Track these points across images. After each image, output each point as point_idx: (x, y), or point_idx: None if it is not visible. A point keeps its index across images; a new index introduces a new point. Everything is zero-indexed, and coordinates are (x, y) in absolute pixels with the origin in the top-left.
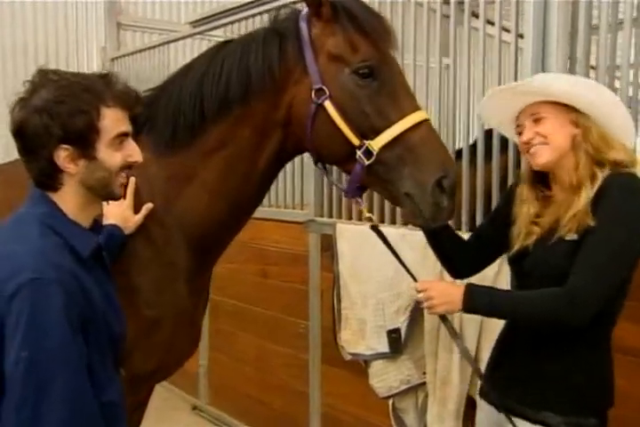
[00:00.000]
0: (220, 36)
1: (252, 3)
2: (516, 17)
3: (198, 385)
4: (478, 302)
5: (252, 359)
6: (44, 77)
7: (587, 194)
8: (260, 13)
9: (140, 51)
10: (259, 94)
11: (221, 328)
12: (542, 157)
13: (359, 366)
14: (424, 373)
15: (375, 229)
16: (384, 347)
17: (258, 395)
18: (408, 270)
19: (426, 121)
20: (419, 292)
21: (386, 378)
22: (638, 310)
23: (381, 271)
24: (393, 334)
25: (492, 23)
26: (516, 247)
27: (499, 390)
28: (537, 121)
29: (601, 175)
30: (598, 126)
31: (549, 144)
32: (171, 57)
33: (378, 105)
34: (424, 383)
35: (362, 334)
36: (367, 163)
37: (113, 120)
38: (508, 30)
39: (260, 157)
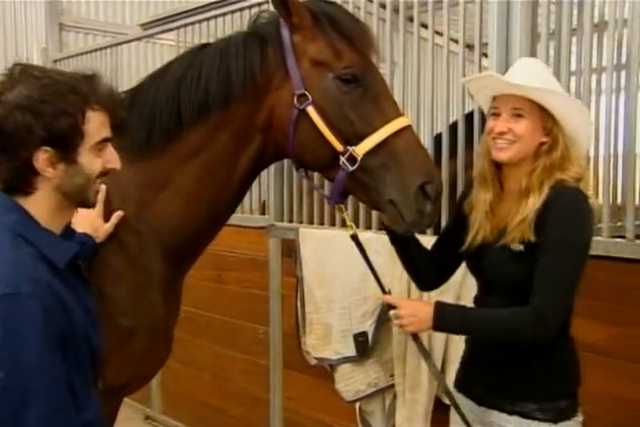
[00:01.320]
0: (171, 39)
1: (205, 6)
2: (480, 26)
3: (151, 394)
4: (448, 320)
5: (208, 366)
6: (24, 73)
7: (533, 202)
8: (215, 17)
9: (85, 53)
10: (239, 99)
11: (175, 335)
12: (506, 153)
13: (321, 371)
14: (391, 375)
15: (355, 238)
16: (351, 351)
17: (215, 402)
18: (380, 283)
19: (408, 127)
20: (389, 308)
21: (353, 382)
22: (597, 308)
23: (347, 276)
24: (360, 338)
25: (440, 34)
26: (468, 240)
27: (477, 386)
28: (515, 116)
29: (547, 185)
30: (566, 138)
31: (516, 144)
32: (118, 60)
33: (361, 111)
34: (391, 386)
35: (328, 338)
36: (351, 169)
37: (97, 124)
38: (456, 41)
39: (239, 163)
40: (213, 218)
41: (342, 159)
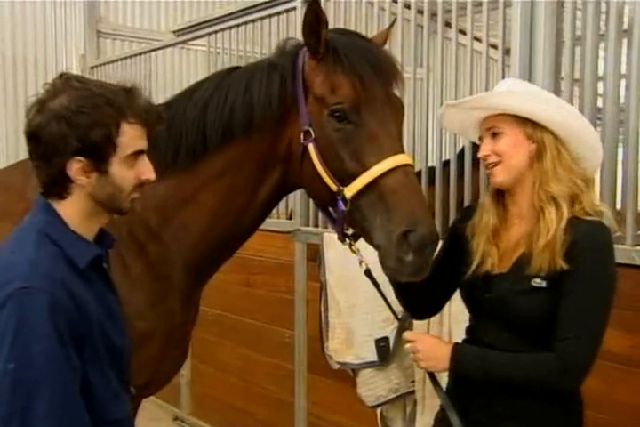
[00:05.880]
0: (203, 45)
1: (236, 12)
2: (503, 32)
3: (180, 395)
4: (466, 364)
5: (235, 369)
6: (67, 83)
7: (551, 220)
8: (245, 23)
9: (121, 59)
10: (260, 129)
11: (204, 338)
12: (498, 176)
13: (345, 375)
14: (412, 381)
15: (368, 274)
16: (372, 356)
17: (242, 405)
18: (396, 316)
19: (403, 166)
20: (406, 342)
21: (374, 387)
22: (621, 317)
23: (369, 281)
24: (381, 344)
25: (464, 33)
26: (472, 268)
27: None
28: (494, 136)
29: (565, 207)
30: (556, 142)
31: (504, 163)
32: (152, 66)
33: (352, 150)
34: (412, 392)
35: (350, 343)
36: (345, 210)
37: (131, 137)
38: (479, 40)
39: (261, 189)
40: (234, 235)
41: (338, 199)
